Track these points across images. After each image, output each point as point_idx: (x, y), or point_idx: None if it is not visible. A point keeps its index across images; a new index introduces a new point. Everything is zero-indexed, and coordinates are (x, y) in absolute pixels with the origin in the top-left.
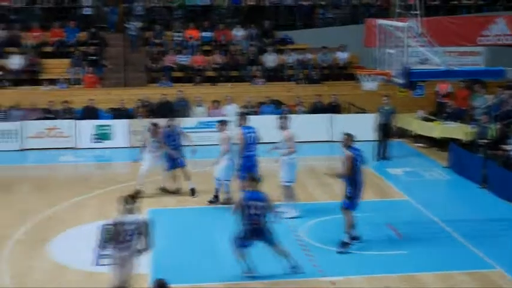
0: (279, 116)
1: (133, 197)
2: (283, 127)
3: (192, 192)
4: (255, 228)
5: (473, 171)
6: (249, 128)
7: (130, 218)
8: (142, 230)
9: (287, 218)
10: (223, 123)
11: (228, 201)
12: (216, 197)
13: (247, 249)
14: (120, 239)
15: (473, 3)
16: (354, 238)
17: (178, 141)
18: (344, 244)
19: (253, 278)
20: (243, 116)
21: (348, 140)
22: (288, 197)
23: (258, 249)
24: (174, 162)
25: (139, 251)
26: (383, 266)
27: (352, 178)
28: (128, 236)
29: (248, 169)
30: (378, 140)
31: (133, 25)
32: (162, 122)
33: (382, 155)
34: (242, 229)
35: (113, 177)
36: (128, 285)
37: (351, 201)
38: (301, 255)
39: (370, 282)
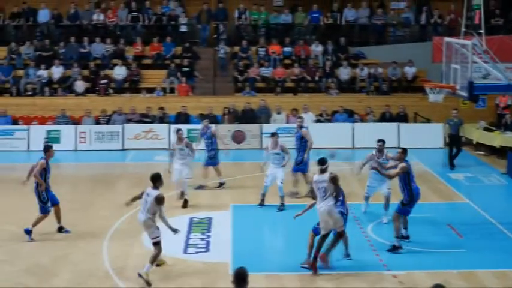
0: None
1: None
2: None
3: (220, 184)
4: None
5: None
6: None
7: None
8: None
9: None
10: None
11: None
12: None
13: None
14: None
15: None
16: (404, 237)
17: (212, 141)
18: (395, 248)
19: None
20: None
21: (402, 154)
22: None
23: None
24: (210, 160)
25: None
26: (443, 262)
27: (409, 188)
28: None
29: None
30: (449, 150)
31: (223, 48)
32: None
33: (451, 161)
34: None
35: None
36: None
37: (404, 208)
38: (368, 250)
39: (430, 276)
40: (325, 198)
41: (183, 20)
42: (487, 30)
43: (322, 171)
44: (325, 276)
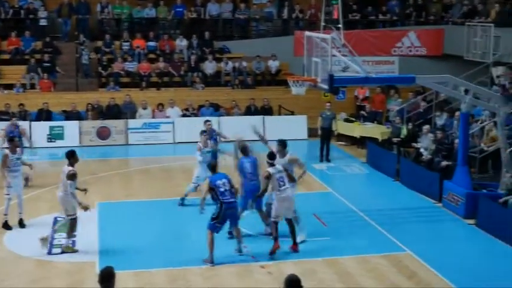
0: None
1: None
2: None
3: None
4: None
5: (388, 166)
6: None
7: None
8: None
9: None
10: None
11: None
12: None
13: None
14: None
15: (388, 18)
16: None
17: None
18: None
19: None
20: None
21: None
22: None
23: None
24: None
25: None
26: (309, 251)
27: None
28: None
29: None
30: (320, 143)
31: (87, 54)
32: None
33: (326, 157)
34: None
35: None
36: None
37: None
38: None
39: (298, 265)
40: (285, 186)
41: (42, 13)
42: (345, 24)
43: (272, 164)
44: (195, 270)
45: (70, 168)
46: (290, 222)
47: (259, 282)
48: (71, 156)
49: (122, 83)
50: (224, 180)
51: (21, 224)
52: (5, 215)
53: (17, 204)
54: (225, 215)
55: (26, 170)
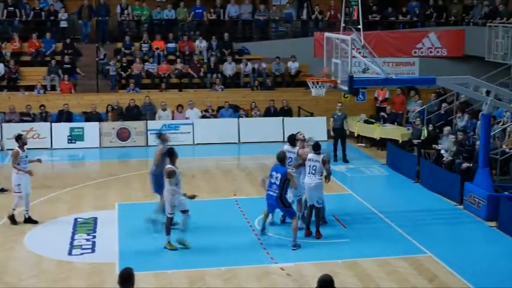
0: None
1: None
2: None
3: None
4: None
5: (408, 168)
6: None
7: None
8: None
9: None
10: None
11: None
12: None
13: None
14: None
15: (408, 19)
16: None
17: None
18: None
19: None
20: None
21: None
22: None
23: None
24: None
25: None
26: (329, 252)
27: None
28: None
29: None
30: (334, 143)
31: (114, 66)
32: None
33: (343, 158)
34: None
35: (85, 174)
36: None
37: None
38: (256, 244)
39: (317, 267)
40: (314, 175)
41: (62, 15)
42: (365, 25)
43: (317, 153)
44: (213, 271)
45: (169, 166)
46: (312, 208)
47: (278, 283)
48: (171, 155)
49: (141, 84)
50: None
51: (31, 220)
52: (26, 211)
53: (24, 203)
54: None
55: None
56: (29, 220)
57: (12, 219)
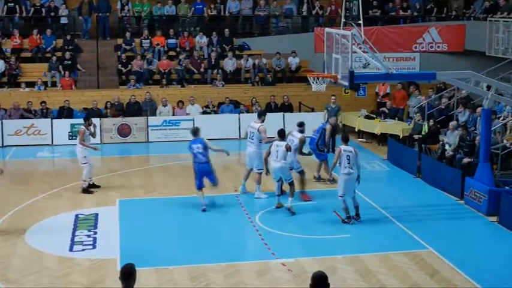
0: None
1: None
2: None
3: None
4: None
5: (409, 163)
6: None
7: None
8: None
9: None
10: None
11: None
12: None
13: None
14: None
15: (409, 14)
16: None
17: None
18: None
19: None
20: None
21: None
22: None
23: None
24: None
25: None
26: (330, 248)
27: None
28: None
29: None
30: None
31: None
32: None
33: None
34: None
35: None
36: None
37: None
38: (257, 239)
39: (318, 262)
40: (350, 166)
41: (63, 11)
42: (365, 21)
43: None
44: (214, 267)
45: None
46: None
47: (279, 279)
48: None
49: (145, 80)
50: None
51: (95, 185)
52: (90, 178)
53: (91, 172)
54: None
55: None
56: (93, 186)
57: (87, 190)
